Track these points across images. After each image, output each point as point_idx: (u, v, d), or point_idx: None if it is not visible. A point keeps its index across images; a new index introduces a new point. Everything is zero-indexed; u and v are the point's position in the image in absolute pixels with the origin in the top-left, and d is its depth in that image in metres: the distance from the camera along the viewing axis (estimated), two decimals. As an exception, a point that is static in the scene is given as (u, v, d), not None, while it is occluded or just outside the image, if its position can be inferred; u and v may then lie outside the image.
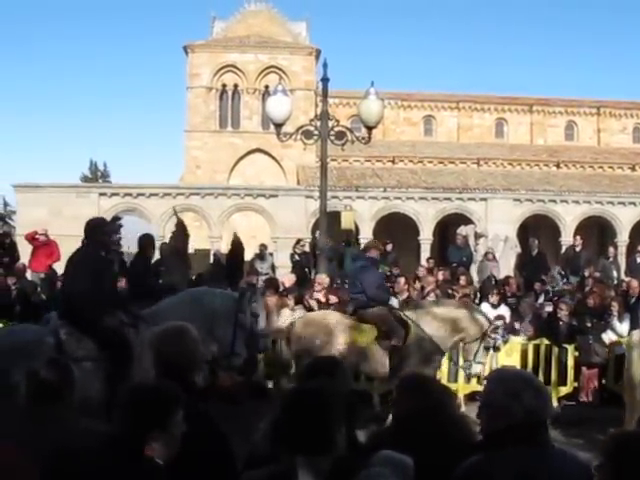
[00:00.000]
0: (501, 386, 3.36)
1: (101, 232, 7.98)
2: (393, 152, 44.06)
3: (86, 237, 7.88)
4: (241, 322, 8.12)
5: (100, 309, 7.49)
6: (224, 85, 44.98)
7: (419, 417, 3.63)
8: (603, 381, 13.20)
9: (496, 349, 11.57)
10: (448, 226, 32.71)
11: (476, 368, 10.42)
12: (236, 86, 45.00)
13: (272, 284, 14.79)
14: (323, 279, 13.73)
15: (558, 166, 44.23)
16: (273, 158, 43.96)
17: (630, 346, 10.25)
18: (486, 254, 20.30)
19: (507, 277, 17.23)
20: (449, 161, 43.90)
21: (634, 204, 36.03)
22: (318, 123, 15.16)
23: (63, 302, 7.90)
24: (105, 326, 7.49)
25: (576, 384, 13.09)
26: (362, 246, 11.62)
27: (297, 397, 3.27)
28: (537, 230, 32.66)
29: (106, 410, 6.62)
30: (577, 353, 13.14)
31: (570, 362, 13.05)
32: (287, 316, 12.11)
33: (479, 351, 10.34)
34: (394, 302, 12.47)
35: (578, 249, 20.96)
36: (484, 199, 34.72)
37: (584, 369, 13.22)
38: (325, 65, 15.54)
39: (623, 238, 35.13)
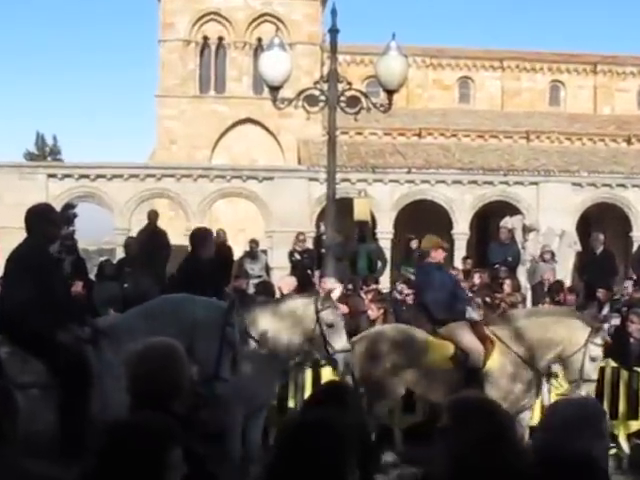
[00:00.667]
0: (555, 419, 3.36)
1: (47, 221, 7.91)
2: (420, 123, 44.03)
3: (29, 229, 7.84)
4: (229, 338, 8.06)
5: (50, 321, 7.42)
6: (206, 38, 44.95)
7: (482, 450, 3.54)
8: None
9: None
10: (489, 217, 32.68)
11: (587, 387, 10.16)
12: (221, 39, 44.97)
13: (266, 289, 14.81)
14: (332, 284, 13.73)
15: (629, 141, 44.16)
16: (268, 131, 43.95)
17: None
18: (542, 254, 20.32)
19: (557, 282, 17.23)
20: (491, 135, 43.85)
21: None
22: (325, 86, 15.15)
23: (2, 312, 7.85)
24: (57, 343, 7.44)
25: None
26: (421, 246, 11.44)
27: (297, 431, 3.25)
28: (602, 223, 32.62)
29: (59, 449, 6.62)
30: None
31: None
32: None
33: (584, 365, 10.14)
34: (474, 315, 12.46)
35: (654, 246, 20.98)
36: (535, 183, 34.64)
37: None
38: (334, 12, 15.53)
39: None
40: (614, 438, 11.58)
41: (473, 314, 12.21)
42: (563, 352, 10.25)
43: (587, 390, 10.12)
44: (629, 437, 12.70)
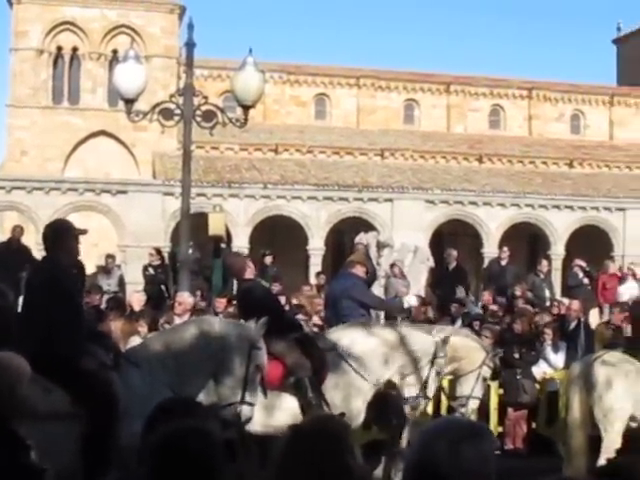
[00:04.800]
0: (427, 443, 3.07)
1: (72, 238, 7.56)
2: (276, 139, 44.15)
3: (53, 245, 7.44)
4: (257, 361, 7.81)
5: (78, 347, 7.01)
6: (60, 48, 44.23)
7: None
8: (533, 425, 13.53)
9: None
10: (344, 233, 33.00)
11: (473, 405, 10.65)
12: (75, 50, 44.31)
13: (117, 304, 14.67)
14: (185, 298, 13.70)
15: (480, 160, 45.17)
16: (122, 144, 43.44)
17: (570, 382, 10.51)
18: (392, 266, 20.56)
19: (419, 296, 17.60)
20: (346, 152, 44.25)
21: (571, 208, 37.16)
22: (180, 100, 15.10)
23: (27, 338, 7.13)
24: (83, 371, 6.96)
25: (501, 429, 13.37)
26: (349, 257, 11.95)
27: (169, 438, 3.25)
28: (454, 239, 33.31)
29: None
30: (502, 391, 13.43)
31: (493, 402, 13.31)
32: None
33: (477, 384, 10.59)
34: None
35: (504, 263, 21.52)
36: (389, 200, 35.19)
37: (510, 410, 13.53)
38: (191, 26, 15.51)
39: (558, 250, 36.24)
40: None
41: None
42: (458, 369, 10.61)
43: (473, 406, 10.65)
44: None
